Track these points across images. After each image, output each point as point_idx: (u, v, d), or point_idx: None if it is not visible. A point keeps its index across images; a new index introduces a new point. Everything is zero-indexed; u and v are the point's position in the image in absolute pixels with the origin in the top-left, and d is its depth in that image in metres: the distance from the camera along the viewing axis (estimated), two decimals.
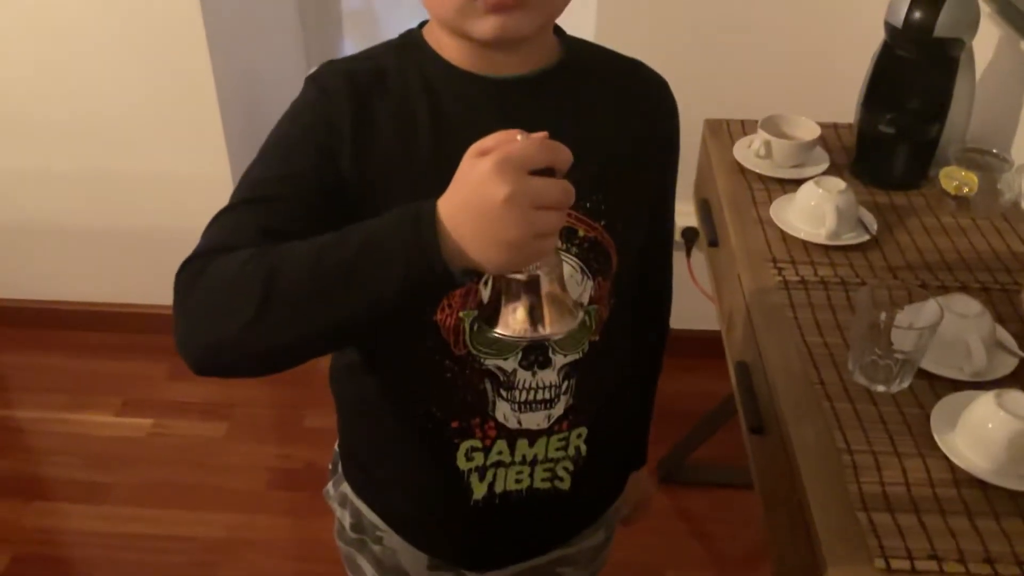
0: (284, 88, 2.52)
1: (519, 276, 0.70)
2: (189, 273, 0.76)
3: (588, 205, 0.87)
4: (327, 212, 0.79)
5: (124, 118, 2.33)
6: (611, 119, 0.91)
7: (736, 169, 1.60)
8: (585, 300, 0.91)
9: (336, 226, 0.73)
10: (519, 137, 0.64)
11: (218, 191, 2.39)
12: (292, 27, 2.61)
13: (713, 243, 1.58)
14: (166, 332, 2.99)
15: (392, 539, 1.07)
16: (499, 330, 0.72)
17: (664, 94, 0.97)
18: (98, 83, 2.28)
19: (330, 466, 1.15)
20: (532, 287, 0.70)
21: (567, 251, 0.88)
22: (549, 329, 0.71)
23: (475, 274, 0.68)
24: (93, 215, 2.49)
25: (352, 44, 2.74)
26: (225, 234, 0.79)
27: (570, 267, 0.89)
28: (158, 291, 2.61)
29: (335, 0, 2.65)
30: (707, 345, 2.16)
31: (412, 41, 0.89)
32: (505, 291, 0.71)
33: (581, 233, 0.88)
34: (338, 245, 0.71)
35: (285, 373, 2.46)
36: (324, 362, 2.72)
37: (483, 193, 0.63)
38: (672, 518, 2.13)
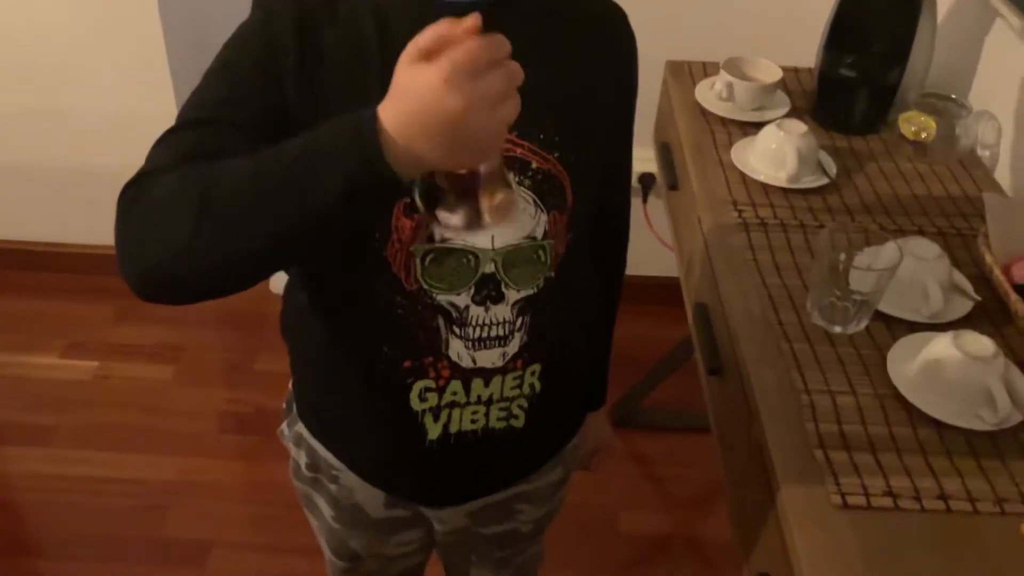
0: (230, 22, 2.45)
1: (461, 171, 0.69)
2: (128, 196, 0.74)
3: (542, 137, 0.85)
4: (271, 136, 0.76)
5: (66, 54, 2.25)
6: (564, 48, 0.89)
7: (697, 111, 1.59)
8: (539, 234, 0.89)
9: None
10: (455, 32, 0.62)
11: (163, 128, 2.33)
12: None
13: (673, 186, 1.57)
14: (112, 273, 2.93)
15: (348, 478, 1.06)
16: (439, 227, 0.72)
17: (620, 22, 0.95)
18: (39, 17, 2.19)
19: (284, 406, 1.13)
20: (472, 181, 0.69)
21: (520, 183, 0.86)
22: (489, 219, 0.70)
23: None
24: (36, 153, 2.41)
25: None
26: (167, 156, 0.76)
27: (523, 199, 0.87)
28: (103, 230, 2.51)
29: None
30: (660, 292, 2.17)
31: None
32: (448, 186, 0.70)
33: (534, 165, 0.86)
34: (277, 156, 0.69)
35: (234, 317, 2.43)
36: (275, 306, 2.68)
37: (439, 108, 0.62)
38: (626, 462, 2.15)
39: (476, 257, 0.86)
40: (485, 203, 0.69)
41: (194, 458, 2.10)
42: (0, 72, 2.27)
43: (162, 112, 2.27)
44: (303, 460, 1.10)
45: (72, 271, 2.54)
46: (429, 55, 0.63)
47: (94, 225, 2.51)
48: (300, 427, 1.08)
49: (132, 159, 2.70)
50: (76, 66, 2.26)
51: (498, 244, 0.87)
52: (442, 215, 0.70)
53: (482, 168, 0.68)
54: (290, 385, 1.11)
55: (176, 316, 2.46)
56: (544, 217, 0.88)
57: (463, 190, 0.69)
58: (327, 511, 1.12)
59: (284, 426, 1.13)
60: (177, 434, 2.16)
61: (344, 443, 1.05)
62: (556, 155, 0.86)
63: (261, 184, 0.69)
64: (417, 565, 1.26)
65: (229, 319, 2.49)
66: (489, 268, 0.87)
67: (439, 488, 1.05)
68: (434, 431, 0.95)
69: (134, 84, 2.28)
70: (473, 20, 0.62)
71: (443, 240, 0.84)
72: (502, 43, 0.63)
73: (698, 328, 1.30)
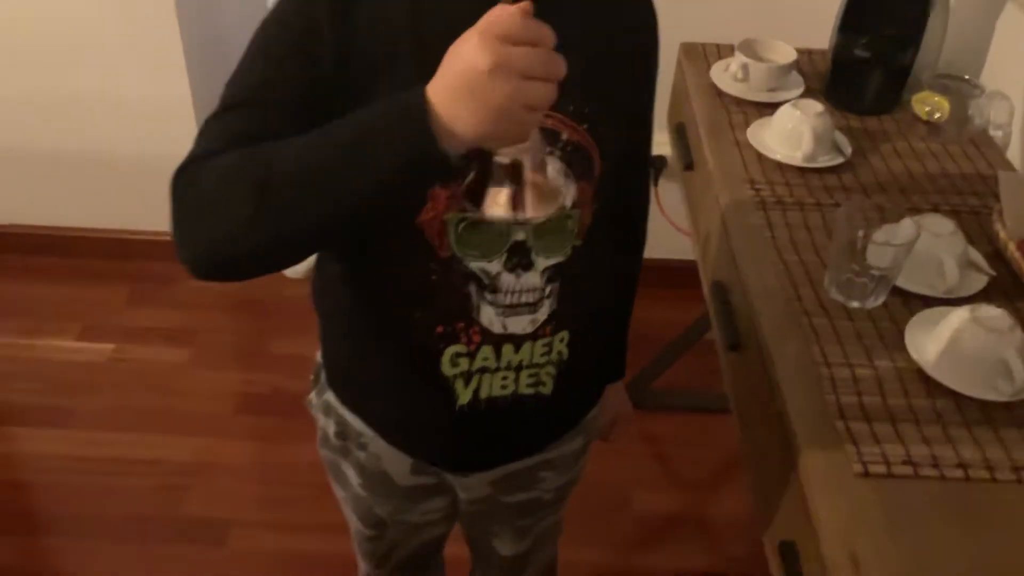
0: (240, 10, 2.46)
1: (503, 159, 0.72)
2: (183, 180, 0.78)
3: (571, 108, 0.87)
4: (314, 114, 0.79)
5: (84, 40, 2.26)
6: (591, 25, 0.91)
7: (713, 92, 1.60)
8: (568, 204, 0.91)
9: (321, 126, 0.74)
10: (504, 10, 0.66)
11: (178, 115, 2.35)
12: None
13: (688, 166, 1.58)
14: (125, 257, 2.96)
15: (376, 445, 1.08)
16: (485, 211, 0.75)
17: (646, 1, 0.97)
18: (56, 6, 2.21)
19: (312, 376, 1.15)
20: (515, 170, 0.73)
21: (550, 154, 0.88)
22: (530, 212, 0.74)
23: (470, 156, 0.71)
24: (50, 138, 2.42)
25: None
26: (215, 140, 0.80)
27: (553, 169, 0.89)
28: (117, 215, 2.58)
29: None
30: (670, 274, 2.18)
31: None
32: (490, 174, 0.73)
33: (564, 136, 0.88)
34: (330, 136, 0.72)
35: (247, 300, 2.45)
36: (288, 289, 2.70)
37: (469, 66, 0.65)
38: (638, 442, 2.17)
39: (508, 225, 0.88)
40: (528, 193, 0.73)
41: (211, 438, 2.13)
42: (17, 57, 2.28)
43: (177, 98, 2.31)
44: (331, 429, 1.12)
45: (85, 256, 2.57)
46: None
47: (106, 209, 2.55)
48: (329, 396, 1.11)
49: (146, 145, 2.74)
50: (92, 51, 2.27)
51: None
52: (487, 203, 0.74)
53: (525, 160, 0.72)
54: (318, 356, 1.13)
55: (189, 300, 2.49)
56: (573, 187, 0.90)
57: (506, 178, 0.73)
58: (355, 479, 1.14)
59: (312, 395, 1.15)
60: (194, 415, 2.19)
61: (374, 409, 1.07)
62: (585, 127, 0.89)
63: (317, 167, 0.72)
64: (440, 536, 1.29)
65: (242, 303, 2.51)
66: (520, 236, 0.90)
67: (467, 454, 1.07)
68: (464, 396, 0.98)
69: (149, 70, 2.30)
70: (524, 3, 0.66)
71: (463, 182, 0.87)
72: (546, 31, 0.66)
73: (716, 305, 1.32)
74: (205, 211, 0.76)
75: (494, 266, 0.91)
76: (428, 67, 0.70)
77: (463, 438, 1.04)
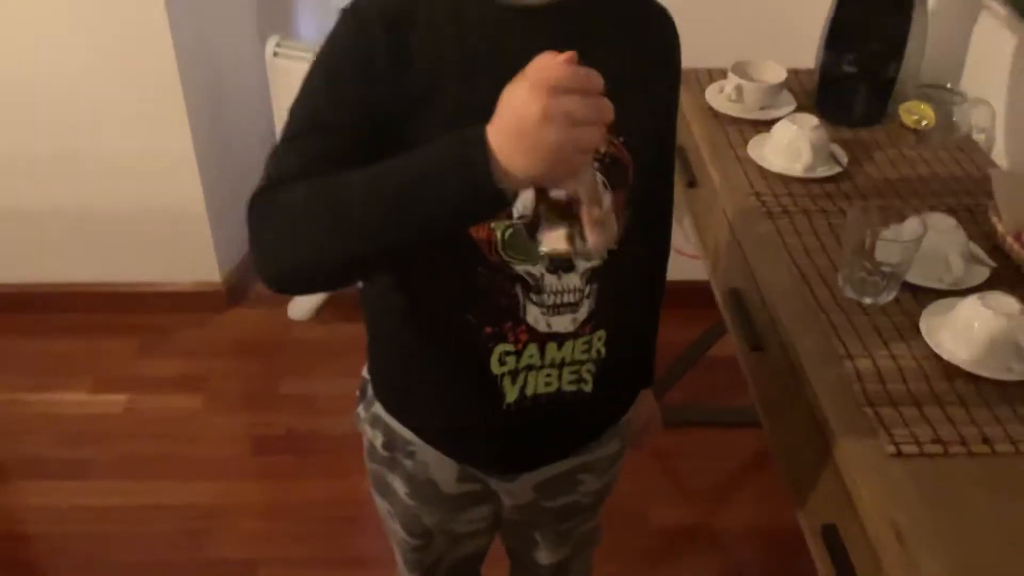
0: (241, 62, 2.53)
1: (559, 195, 0.77)
2: (259, 207, 0.84)
3: (609, 124, 0.94)
4: (375, 137, 0.85)
5: (87, 98, 2.31)
6: (622, 43, 0.98)
7: (710, 114, 1.68)
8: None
9: (385, 148, 0.81)
10: (552, 59, 0.70)
11: (181, 168, 2.41)
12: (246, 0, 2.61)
13: (691, 184, 1.65)
14: (133, 310, 2.99)
15: (424, 453, 1.13)
16: (543, 248, 0.80)
17: (666, 18, 1.04)
18: (60, 63, 2.26)
19: (358, 392, 1.20)
20: (570, 207, 0.77)
21: (604, 186, 0.94)
22: (590, 245, 0.78)
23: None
24: (55, 195, 2.46)
25: (306, 11, 2.74)
26: (285, 166, 0.86)
27: (607, 202, 0.95)
28: (123, 268, 2.62)
29: None
30: (670, 295, 2.25)
31: None
32: (548, 211, 0.78)
33: (603, 149, 0.95)
34: (396, 170, 0.78)
35: (252, 345, 2.51)
36: (291, 332, 2.74)
37: (521, 114, 0.70)
38: (650, 458, 2.22)
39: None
40: (586, 228, 0.76)
41: (230, 482, 2.15)
42: (21, 116, 2.33)
43: (180, 152, 2.36)
44: (379, 440, 1.17)
45: (93, 310, 2.60)
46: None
47: (113, 264, 2.58)
48: (377, 407, 1.15)
49: (150, 198, 2.79)
50: (96, 107, 2.33)
51: None
52: (546, 238, 0.79)
53: (581, 193, 0.75)
54: (364, 371, 1.19)
55: (198, 348, 2.52)
56: (609, 196, 0.96)
57: (562, 214, 0.77)
58: (402, 488, 1.18)
59: (360, 409, 1.20)
60: (211, 460, 2.21)
61: (421, 415, 1.12)
62: (622, 140, 0.95)
63: (385, 200, 0.77)
64: (482, 549, 1.33)
65: (249, 347, 2.55)
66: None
67: (513, 455, 1.12)
68: (511, 394, 1.03)
69: (150, 124, 2.35)
70: (570, 53, 0.70)
71: (521, 217, 0.92)
72: (594, 78, 0.71)
73: (733, 311, 1.38)
74: (283, 235, 0.82)
75: (538, 269, 0.97)
76: (476, 90, 0.75)
77: (510, 437, 1.09)
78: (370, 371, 1.17)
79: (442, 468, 1.14)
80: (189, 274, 2.59)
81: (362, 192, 0.79)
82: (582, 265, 0.98)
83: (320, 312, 2.63)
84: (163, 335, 2.55)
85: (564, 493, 1.22)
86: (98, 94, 2.31)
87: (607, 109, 0.72)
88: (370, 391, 1.17)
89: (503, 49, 0.75)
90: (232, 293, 2.65)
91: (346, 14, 0.92)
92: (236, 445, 2.26)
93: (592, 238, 0.77)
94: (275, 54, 2.29)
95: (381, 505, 1.26)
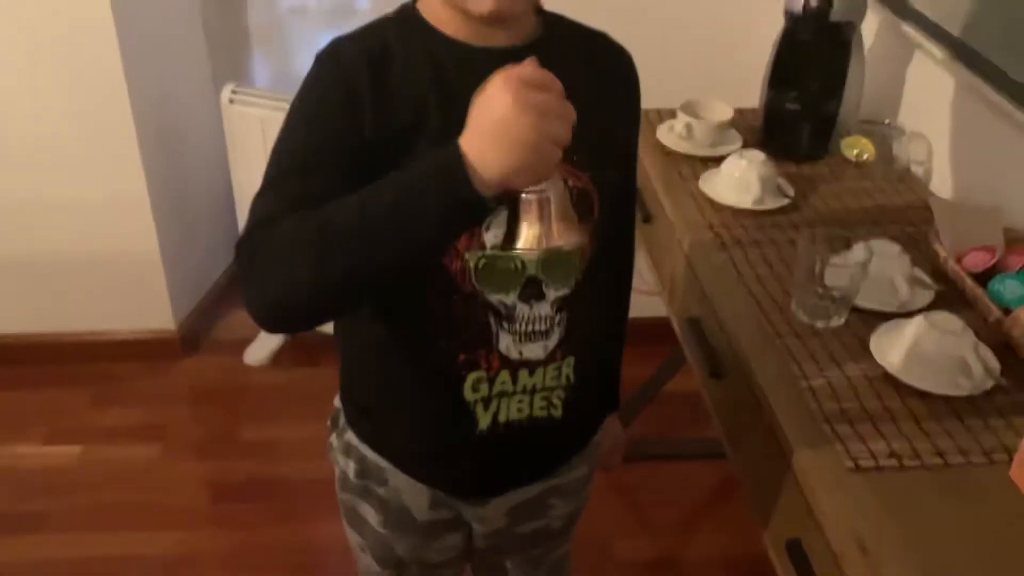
0: (196, 109, 2.55)
1: (530, 196, 0.83)
2: (248, 248, 0.87)
3: (575, 159, 0.98)
4: (357, 175, 0.88)
5: (39, 144, 2.31)
6: (588, 83, 1.01)
7: (661, 151, 1.74)
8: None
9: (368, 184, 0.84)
10: (515, 65, 0.78)
11: (135, 213, 2.39)
12: (198, 46, 2.63)
13: (646, 219, 1.71)
14: (85, 360, 2.96)
15: (396, 479, 1.15)
16: (518, 245, 0.85)
17: (626, 60, 1.10)
18: (12, 108, 2.26)
19: (328, 422, 1.22)
20: (542, 206, 0.83)
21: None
22: (559, 240, 0.85)
23: (502, 199, 0.81)
24: (6, 243, 2.44)
25: (262, 58, 2.77)
26: (274, 206, 0.88)
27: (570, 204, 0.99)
28: (75, 317, 2.59)
29: (240, 16, 2.69)
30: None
31: (409, 16, 0.98)
32: (520, 211, 0.84)
33: (570, 183, 0.99)
34: (377, 195, 0.82)
35: (210, 392, 2.51)
36: (248, 378, 2.73)
37: (494, 106, 0.77)
38: (612, 493, 2.24)
39: (522, 262, 0.98)
40: (555, 225, 0.84)
41: (191, 531, 2.13)
42: None
43: (134, 196, 2.36)
44: (351, 469, 1.18)
45: (43, 361, 2.57)
46: None
47: (65, 314, 2.55)
48: (349, 435, 1.17)
49: (101, 244, 2.77)
50: (46, 153, 2.32)
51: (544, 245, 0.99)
52: (520, 239, 0.85)
53: (552, 195, 0.82)
54: (335, 401, 1.21)
55: (154, 396, 2.50)
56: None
57: (535, 214, 0.83)
58: (374, 518, 1.20)
59: (332, 439, 1.21)
60: (171, 508, 2.18)
61: (395, 441, 1.14)
62: (588, 175, 0.99)
63: (368, 229, 0.81)
64: None
65: (207, 394, 2.53)
66: (532, 271, 0.99)
67: (484, 479, 1.15)
68: (484, 420, 1.06)
69: (104, 170, 2.35)
70: (531, 58, 0.79)
71: (493, 247, 0.96)
72: (555, 79, 0.79)
73: (692, 339, 1.43)
74: (272, 272, 0.84)
75: (510, 298, 1.00)
76: (455, 118, 0.80)
77: (482, 462, 1.11)
78: (343, 399, 1.19)
79: (415, 494, 1.15)
80: (143, 322, 2.57)
81: (349, 215, 0.82)
82: (552, 294, 1.02)
83: (278, 357, 2.63)
84: (117, 384, 2.53)
85: (535, 517, 1.24)
86: (51, 139, 2.31)
87: (570, 107, 0.79)
88: (342, 420, 1.19)
89: (476, 83, 0.79)
90: (187, 341, 2.63)
91: (325, 57, 0.95)
92: (197, 493, 2.24)
93: (565, 237, 0.84)
94: (231, 100, 2.31)
95: (352, 538, 1.26)
